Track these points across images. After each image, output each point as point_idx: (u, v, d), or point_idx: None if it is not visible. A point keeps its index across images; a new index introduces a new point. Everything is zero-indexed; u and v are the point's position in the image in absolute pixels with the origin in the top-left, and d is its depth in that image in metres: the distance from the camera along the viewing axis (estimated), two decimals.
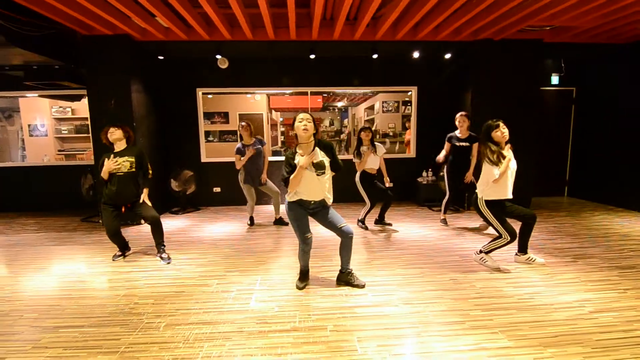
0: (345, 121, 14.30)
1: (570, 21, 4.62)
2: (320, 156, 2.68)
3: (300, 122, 2.64)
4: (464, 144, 4.55)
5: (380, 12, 4.63)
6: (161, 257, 3.60)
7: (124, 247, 3.71)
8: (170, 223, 5.18)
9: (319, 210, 2.78)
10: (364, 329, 2.27)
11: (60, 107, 7.63)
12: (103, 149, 4.76)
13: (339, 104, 13.37)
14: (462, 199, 5.57)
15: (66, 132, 7.58)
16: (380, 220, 4.68)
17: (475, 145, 4.43)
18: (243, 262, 3.51)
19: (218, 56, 5.19)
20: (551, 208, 5.72)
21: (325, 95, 10.66)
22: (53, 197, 5.98)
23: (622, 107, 5.63)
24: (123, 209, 3.55)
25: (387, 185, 4.48)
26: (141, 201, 3.60)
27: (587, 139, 6.32)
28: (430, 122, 6.29)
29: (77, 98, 6.48)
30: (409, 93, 8.88)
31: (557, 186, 6.76)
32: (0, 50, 3.90)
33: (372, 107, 10.65)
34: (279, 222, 4.96)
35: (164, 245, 3.71)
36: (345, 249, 2.85)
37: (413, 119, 6.43)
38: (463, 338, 2.15)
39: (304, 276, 2.95)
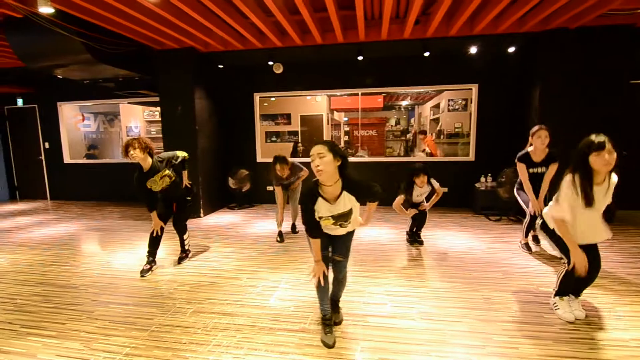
0: (412, 120, 13.79)
1: None
2: (348, 202, 2.02)
3: (312, 160, 1.92)
4: (539, 169, 3.54)
5: (430, 9, 4.40)
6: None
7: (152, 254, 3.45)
8: (226, 218, 5.64)
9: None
10: (371, 339, 2.22)
11: (150, 111, 8.83)
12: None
13: (404, 103, 12.95)
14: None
15: (154, 132, 8.71)
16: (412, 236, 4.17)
17: (553, 167, 3.49)
18: (275, 260, 3.68)
19: (271, 62, 5.48)
20: (638, 224, 4.80)
21: (386, 94, 10.44)
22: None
23: None
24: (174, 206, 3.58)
25: (422, 207, 3.95)
26: (183, 186, 3.56)
27: None
28: (493, 122, 5.75)
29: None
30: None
31: None
32: (92, 66, 4.67)
33: (437, 106, 10.13)
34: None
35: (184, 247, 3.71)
36: (334, 283, 2.38)
37: (473, 118, 5.95)
38: None
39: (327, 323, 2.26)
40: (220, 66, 5.93)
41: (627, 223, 4.82)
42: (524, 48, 5.01)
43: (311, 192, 2.02)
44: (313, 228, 2.08)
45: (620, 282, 2.99)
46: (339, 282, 2.36)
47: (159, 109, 8.66)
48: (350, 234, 2.28)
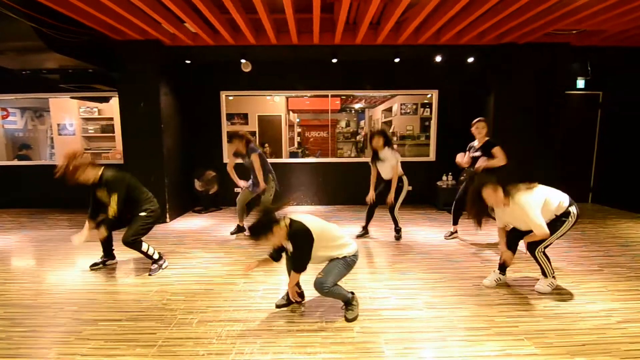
0: (362, 122, 14.34)
1: (598, 25, 4.54)
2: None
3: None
4: (477, 154, 4.13)
5: (403, 17, 4.66)
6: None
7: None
8: (195, 222, 5.34)
9: None
10: (390, 331, 2.32)
11: (88, 107, 7.95)
12: (132, 152, 5.00)
13: (357, 106, 13.41)
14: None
15: (92, 131, 7.87)
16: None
17: (497, 150, 3.97)
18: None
19: (244, 60, 5.32)
20: None
21: (344, 97, 10.72)
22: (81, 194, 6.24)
23: None
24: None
25: (387, 200, 4.20)
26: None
27: (613, 144, 6.18)
28: (451, 125, 6.26)
29: (106, 99, 6.74)
30: (429, 95, 8.89)
31: (581, 192, 6.61)
32: (39, 55, 4.10)
33: (389, 109, 10.62)
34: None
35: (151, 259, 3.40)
36: None
37: (433, 122, 6.42)
38: (489, 344, 2.17)
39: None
40: (188, 62, 5.59)
41: None
42: (480, 59, 5.54)
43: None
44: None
45: (576, 264, 3.49)
46: (327, 297, 2.46)
47: (98, 105, 7.88)
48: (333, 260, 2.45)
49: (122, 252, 3.66)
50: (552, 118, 5.42)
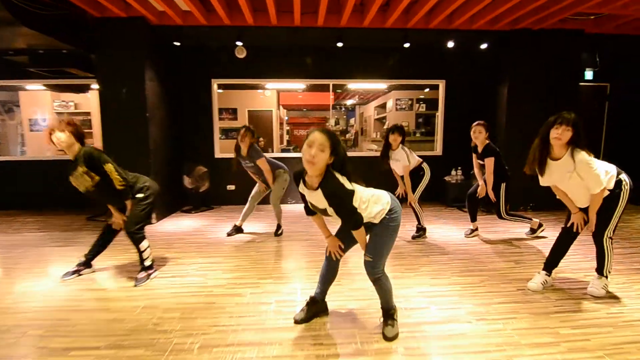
0: (352, 120, 13.97)
1: (619, 9, 4.27)
2: (322, 201, 1.80)
3: (309, 146, 1.70)
4: (480, 161, 3.87)
5: None
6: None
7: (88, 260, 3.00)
8: (185, 223, 4.78)
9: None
10: (442, 351, 1.89)
11: (63, 101, 7.25)
12: (113, 145, 4.39)
13: (349, 102, 13.03)
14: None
15: None
16: None
17: (488, 161, 3.70)
18: (276, 268, 3.13)
19: (238, 43, 4.81)
20: None
21: (339, 91, 10.31)
22: (53, 193, 5.57)
23: None
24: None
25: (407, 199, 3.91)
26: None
27: (620, 137, 5.99)
28: (459, 118, 5.91)
29: (83, 89, 6.08)
30: (426, 90, 8.60)
31: None
32: (4, 30, 3.50)
33: (383, 106, 10.28)
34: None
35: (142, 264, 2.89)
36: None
37: (440, 114, 6.06)
38: None
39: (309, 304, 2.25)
40: (177, 44, 5.03)
41: None
42: (493, 45, 5.21)
43: (299, 173, 1.90)
44: (305, 205, 2.05)
45: (617, 262, 3.15)
46: (375, 286, 2.02)
47: (74, 98, 7.19)
48: (374, 229, 1.97)
49: (101, 259, 3.11)
50: (565, 108, 5.14)
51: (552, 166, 2.45)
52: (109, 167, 2.64)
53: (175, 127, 5.41)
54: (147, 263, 2.87)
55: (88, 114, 7.34)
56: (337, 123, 13.83)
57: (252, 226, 4.53)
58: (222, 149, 5.93)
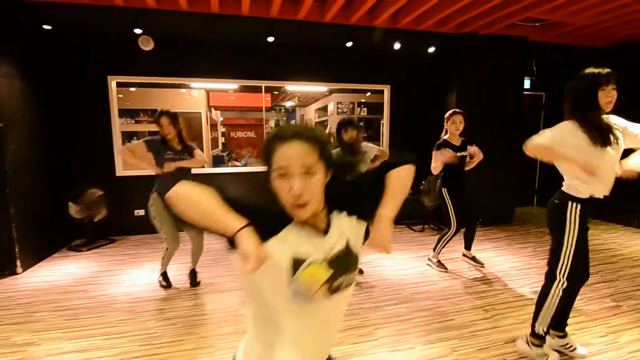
0: (292, 122, 13.26)
1: (567, 17, 4.09)
2: (344, 233, 0.90)
3: (282, 176, 0.81)
4: (462, 153, 3.37)
5: None
6: None
7: None
8: (67, 269, 3.56)
9: None
10: None
11: None
12: None
13: (288, 104, 12.28)
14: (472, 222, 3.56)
15: None
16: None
17: (473, 149, 3.37)
18: (177, 354, 2.18)
19: (137, 30, 3.71)
20: (529, 220, 5.29)
21: (276, 93, 9.51)
22: None
23: None
24: None
25: None
26: None
27: None
28: (406, 126, 5.47)
29: None
30: (367, 94, 8.19)
31: (527, 196, 6.43)
32: None
33: (324, 109, 9.81)
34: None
35: None
36: None
37: (385, 121, 5.55)
38: None
39: None
40: (47, 27, 3.71)
41: (521, 220, 5.22)
42: (441, 49, 4.79)
43: (274, 219, 0.84)
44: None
45: (585, 301, 2.81)
46: None
47: None
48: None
49: None
50: (511, 119, 4.96)
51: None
52: None
53: (55, 139, 4.10)
54: None
55: None
56: (277, 124, 13.00)
57: (155, 266, 3.36)
58: (127, 165, 4.72)
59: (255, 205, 0.84)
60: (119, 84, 4.66)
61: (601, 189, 1.83)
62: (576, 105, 1.83)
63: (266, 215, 0.83)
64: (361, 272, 3.37)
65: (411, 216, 5.08)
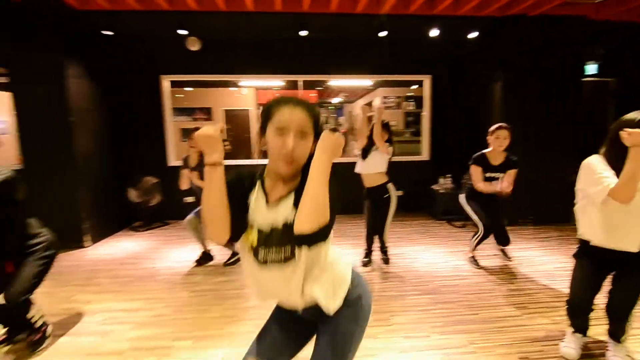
0: (341, 119, 13.27)
1: None
2: (291, 213, 0.99)
3: (280, 134, 0.98)
4: (496, 174, 2.95)
5: None
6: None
7: None
8: (126, 245, 4.06)
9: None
10: None
11: None
12: (31, 155, 3.62)
13: (334, 100, 12.34)
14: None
15: None
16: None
17: (511, 173, 2.92)
18: (203, 319, 2.40)
19: (181, 31, 4.06)
20: None
21: (321, 88, 9.64)
22: None
23: None
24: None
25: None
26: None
27: None
28: (448, 118, 5.24)
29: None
30: (413, 87, 7.93)
31: None
32: None
33: (370, 104, 9.70)
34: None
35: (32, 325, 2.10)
36: None
37: (426, 113, 5.38)
38: None
39: None
40: (108, 33, 4.24)
41: None
42: (483, 36, 4.51)
43: (251, 175, 1.08)
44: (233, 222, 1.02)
45: None
46: None
47: None
48: (343, 319, 1.10)
49: None
50: (570, 108, 4.48)
51: None
52: None
53: (117, 132, 4.66)
54: (39, 324, 2.12)
55: None
56: (326, 122, 13.12)
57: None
58: (180, 156, 5.19)
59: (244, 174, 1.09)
60: (176, 84, 5.13)
61: None
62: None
63: (241, 174, 1.08)
64: (387, 262, 3.34)
65: (452, 212, 4.86)
